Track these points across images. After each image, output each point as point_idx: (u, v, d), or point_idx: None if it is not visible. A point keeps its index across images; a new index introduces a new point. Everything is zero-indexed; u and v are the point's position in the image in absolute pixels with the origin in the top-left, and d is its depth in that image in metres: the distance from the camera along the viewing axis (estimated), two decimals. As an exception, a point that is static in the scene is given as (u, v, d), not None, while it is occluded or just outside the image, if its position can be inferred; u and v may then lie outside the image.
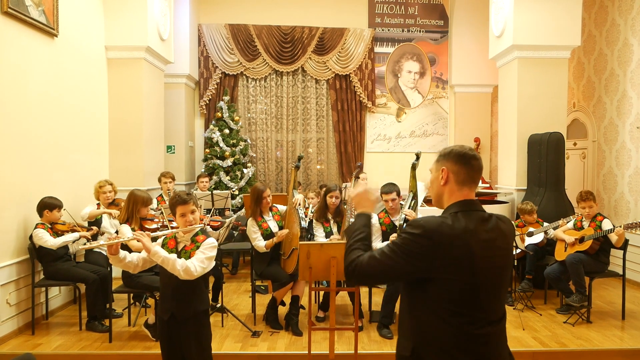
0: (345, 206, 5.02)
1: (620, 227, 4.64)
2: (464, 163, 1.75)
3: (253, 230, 4.65)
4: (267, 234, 4.67)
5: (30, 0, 4.69)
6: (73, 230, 4.73)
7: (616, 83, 6.75)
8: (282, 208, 4.91)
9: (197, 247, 2.88)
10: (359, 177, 5.42)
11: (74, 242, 4.86)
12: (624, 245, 4.82)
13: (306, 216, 5.56)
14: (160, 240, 3.00)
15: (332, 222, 4.95)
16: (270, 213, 4.80)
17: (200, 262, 2.81)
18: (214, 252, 2.89)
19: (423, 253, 1.61)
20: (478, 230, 1.66)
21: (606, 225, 4.84)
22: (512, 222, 5.43)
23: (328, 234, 4.88)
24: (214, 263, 2.93)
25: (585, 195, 4.97)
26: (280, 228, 4.76)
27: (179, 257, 2.86)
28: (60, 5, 5.19)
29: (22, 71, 4.67)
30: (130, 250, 2.97)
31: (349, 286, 4.19)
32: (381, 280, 1.76)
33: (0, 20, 4.34)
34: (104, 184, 5.18)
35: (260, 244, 4.61)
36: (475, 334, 1.63)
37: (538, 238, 5.39)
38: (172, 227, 3.23)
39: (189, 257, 2.85)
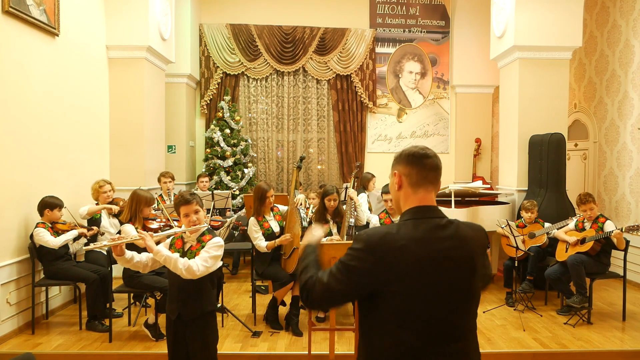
0: (344, 207, 5.01)
1: (621, 229, 4.63)
2: (414, 163, 1.62)
3: (254, 230, 4.65)
4: (269, 234, 4.68)
5: (31, 0, 4.69)
6: (73, 230, 4.73)
7: (617, 84, 6.75)
8: (283, 208, 4.91)
9: (203, 247, 2.86)
10: (358, 177, 5.39)
11: (74, 241, 4.86)
12: (625, 247, 4.81)
13: (307, 216, 5.55)
14: (168, 241, 3.00)
15: (331, 222, 4.94)
16: (271, 213, 4.80)
17: (204, 261, 2.78)
18: (219, 252, 2.85)
19: (367, 268, 1.50)
20: (429, 238, 1.53)
21: (608, 227, 4.83)
22: (510, 221, 5.45)
23: (328, 235, 4.87)
24: (219, 263, 2.91)
25: (584, 198, 4.95)
26: (282, 228, 4.76)
27: (185, 257, 2.84)
28: (62, 5, 5.19)
29: (23, 70, 4.67)
30: (139, 251, 2.95)
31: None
32: (336, 305, 1.64)
33: (2, 20, 4.35)
34: (103, 184, 5.17)
35: (261, 244, 4.61)
36: (429, 352, 1.51)
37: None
38: (177, 226, 3.22)
39: (194, 257, 2.83)
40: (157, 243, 2.92)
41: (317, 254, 1.73)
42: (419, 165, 1.62)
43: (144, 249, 2.83)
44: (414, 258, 1.50)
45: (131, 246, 3.05)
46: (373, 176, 6.59)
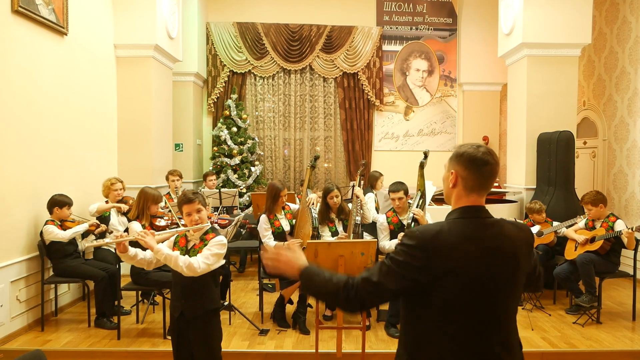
0: (350, 205, 4.98)
1: (632, 229, 4.59)
2: (474, 169, 1.64)
3: (265, 228, 4.66)
4: (279, 232, 4.68)
5: (40, -1, 4.72)
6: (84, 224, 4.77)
7: (627, 81, 6.68)
8: (294, 207, 4.91)
9: (206, 245, 2.87)
10: (363, 175, 5.35)
11: (83, 237, 4.89)
12: (635, 246, 4.77)
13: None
14: (172, 239, 3.01)
15: (336, 221, 4.91)
16: (282, 212, 4.81)
17: (205, 258, 2.78)
18: (221, 250, 2.85)
19: (420, 265, 1.54)
20: (479, 237, 1.58)
21: (619, 226, 4.78)
22: (519, 220, 5.42)
23: (334, 234, 4.84)
24: (222, 261, 2.91)
25: (581, 198, 5.00)
26: (292, 227, 4.77)
27: (188, 255, 2.85)
28: (70, 4, 5.22)
29: (32, 70, 4.70)
30: (143, 248, 2.97)
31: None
32: (384, 301, 1.64)
33: (11, 19, 4.38)
34: (114, 182, 5.21)
35: (270, 242, 4.62)
36: (473, 345, 1.56)
37: (535, 229, 5.39)
38: (183, 225, 3.24)
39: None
40: (163, 241, 2.93)
41: (319, 267, 1.71)
42: (478, 172, 1.64)
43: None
44: (464, 256, 1.55)
45: (136, 244, 3.05)
46: (381, 175, 6.56)
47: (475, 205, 1.65)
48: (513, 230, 1.66)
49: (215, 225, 4.30)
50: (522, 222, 5.41)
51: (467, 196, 1.66)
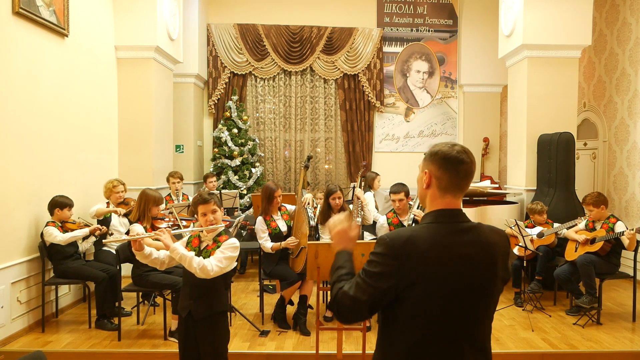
0: (350, 206, 4.99)
1: (632, 230, 4.59)
2: (448, 168, 1.55)
3: (261, 229, 4.66)
4: (276, 233, 4.68)
5: (41, 1, 4.72)
6: (84, 229, 4.77)
7: (627, 83, 6.69)
8: (290, 208, 4.92)
9: (218, 247, 2.88)
10: (364, 177, 5.36)
11: (83, 240, 4.89)
12: (635, 247, 4.77)
13: (315, 216, 5.55)
14: (185, 239, 3.03)
15: None
16: (279, 212, 4.81)
17: (218, 261, 2.79)
18: (234, 253, 2.86)
19: (391, 273, 1.48)
20: (452, 243, 1.51)
21: (619, 227, 4.79)
22: (521, 221, 5.41)
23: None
24: (234, 264, 2.93)
25: (583, 198, 5.02)
26: (289, 227, 4.77)
27: (200, 256, 2.86)
28: (71, 6, 5.24)
29: (33, 71, 4.71)
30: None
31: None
32: (364, 317, 1.57)
33: (12, 21, 4.39)
34: (117, 184, 5.22)
35: (267, 244, 4.62)
36: (447, 355, 1.51)
37: (537, 230, 5.39)
38: (183, 227, 3.25)
39: (209, 257, 2.85)
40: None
41: (352, 265, 1.67)
42: (453, 172, 1.56)
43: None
44: (436, 263, 1.49)
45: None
46: (377, 175, 6.57)
47: (450, 209, 1.58)
48: (491, 237, 1.58)
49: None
50: (522, 222, 5.43)
51: (441, 197, 1.58)
